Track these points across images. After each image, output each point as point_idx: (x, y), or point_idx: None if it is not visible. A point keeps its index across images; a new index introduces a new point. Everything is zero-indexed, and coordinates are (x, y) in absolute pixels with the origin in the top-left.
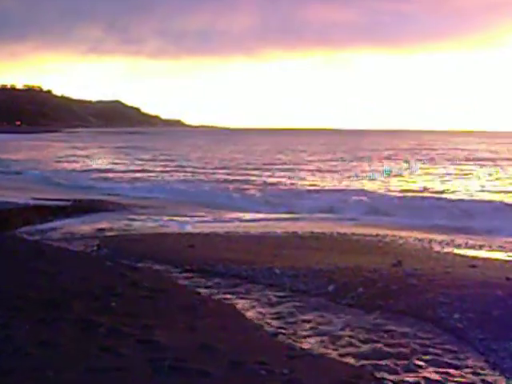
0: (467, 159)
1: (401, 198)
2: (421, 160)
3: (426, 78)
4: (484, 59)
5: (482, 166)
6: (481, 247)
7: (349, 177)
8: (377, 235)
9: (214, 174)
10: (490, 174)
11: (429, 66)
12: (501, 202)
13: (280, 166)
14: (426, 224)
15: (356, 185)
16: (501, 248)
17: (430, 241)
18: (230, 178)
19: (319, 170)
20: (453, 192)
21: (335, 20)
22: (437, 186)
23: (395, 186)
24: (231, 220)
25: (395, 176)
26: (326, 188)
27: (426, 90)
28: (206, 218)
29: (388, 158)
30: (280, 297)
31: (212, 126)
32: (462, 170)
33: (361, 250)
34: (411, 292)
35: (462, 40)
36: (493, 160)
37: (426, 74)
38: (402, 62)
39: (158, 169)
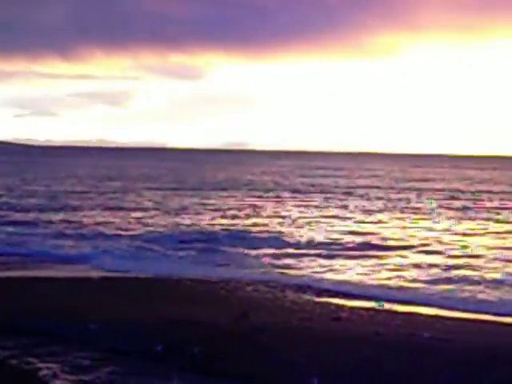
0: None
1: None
2: None
3: (294, 91)
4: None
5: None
6: (347, 295)
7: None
8: (217, 281)
9: None
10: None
11: (299, 77)
12: None
13: None
14: None
15: None
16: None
17: (284, 287)
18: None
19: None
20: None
21: (176, 15)
22: None
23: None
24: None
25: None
26: None
27: (295, 107)
28: None
29: None
30: (96, 360)
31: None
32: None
33: (197, 300)
34: (260, 352)
35: (343, 46)
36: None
37: (293, 87)
38: (260, 71)
39: None
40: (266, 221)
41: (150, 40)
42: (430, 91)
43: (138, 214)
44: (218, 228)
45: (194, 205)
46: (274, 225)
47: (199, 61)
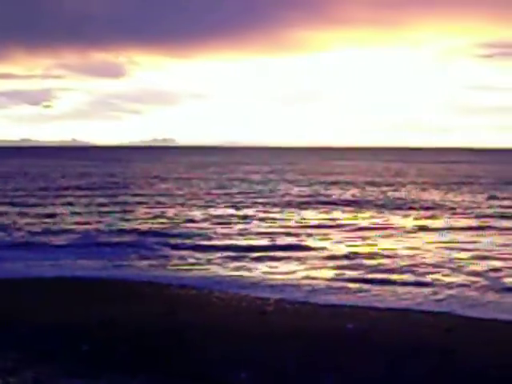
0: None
1: None
2: None
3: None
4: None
5: None
6: (272, 287)
7: None
8: (141, 281)
9: None
10: None
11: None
12: None
13: None
14: None
15: None
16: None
17: (210, 284)
18: None
19: None
20: None
21: (98, 13)
22: None
23: None
24: None
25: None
26: None
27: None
28: None
29: None
30: (21, 361)
31: None
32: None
33: (123, 300)
34: (188, 347)
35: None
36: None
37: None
38: (183, 68)
39: None
40: (180, 219)
41: (72, 38)
42: (356, 85)
43: (52, 216)
44: (138, 228)
45: (111, 205)
46: (191, 223)
47: (121, 59)
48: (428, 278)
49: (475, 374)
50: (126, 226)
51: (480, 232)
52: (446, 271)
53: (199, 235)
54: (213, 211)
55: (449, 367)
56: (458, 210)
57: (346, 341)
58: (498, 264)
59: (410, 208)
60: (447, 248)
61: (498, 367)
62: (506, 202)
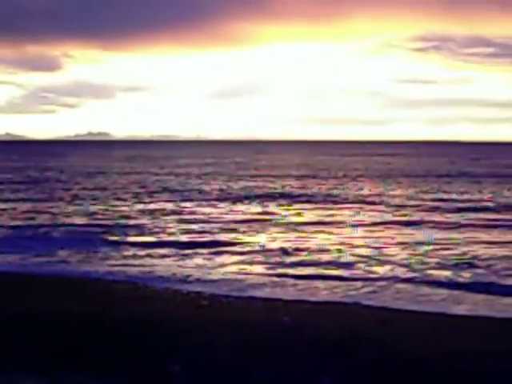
0: None
1: None
2: None
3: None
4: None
5: None
6: (207, 281)
7: None
8: (73, 276)
9: None
10: None
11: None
12: None
13: None
14: None
15: None
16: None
17: (145, 279)
18: None
19: None
20: None
21: (32, 5)
22: None
23: None
24: None
25: None
26: None
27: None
28: None
29: None
30: None
31: None
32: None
33: (53, 293)
34: (123, 342)
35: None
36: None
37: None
38: (118, 62)
39: None
40: (114, 214)
41: (6, 31)
42: (293, 78)
43: None
44: (72, 222)
45: (45, 200)
46: (126, 218)
47: (56, 52)
48: (361, 272)
49: (408, 364)
50: (59, 220)
51: (412, 226)
52: (379, 264)
53: (134, 230)
54: (148, 206)
55: (383, 358)
56: (392, 203)
57: (283, 333)
58: (429, 258)
59: (344, 201)
60: (380, 241)
61: (431, 358)
62: (438, 195)
